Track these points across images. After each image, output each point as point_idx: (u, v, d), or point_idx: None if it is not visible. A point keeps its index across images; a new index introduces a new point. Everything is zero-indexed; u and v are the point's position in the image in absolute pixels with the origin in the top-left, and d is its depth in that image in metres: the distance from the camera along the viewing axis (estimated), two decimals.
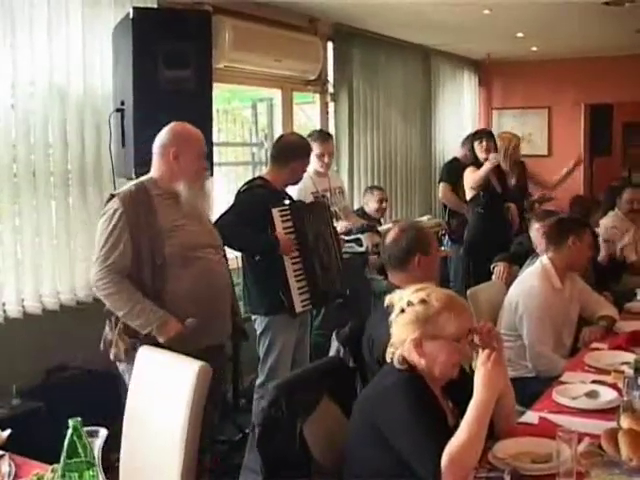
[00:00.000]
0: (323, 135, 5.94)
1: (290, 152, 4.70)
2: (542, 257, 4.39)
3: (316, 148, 5.54)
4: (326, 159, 5.75)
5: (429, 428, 2.37)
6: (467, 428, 2.32)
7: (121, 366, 3.56)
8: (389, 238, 3.48)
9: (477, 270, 6.31)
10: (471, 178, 6.87)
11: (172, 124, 3.64)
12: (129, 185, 3.66)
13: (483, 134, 7.09)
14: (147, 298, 3.46)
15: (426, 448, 2.32)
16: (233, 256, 4.69)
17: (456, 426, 2.40)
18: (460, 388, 2.57)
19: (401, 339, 2.56)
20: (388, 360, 2.59)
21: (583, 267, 4.48)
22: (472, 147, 7.12)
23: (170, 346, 3.33)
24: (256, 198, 4.52)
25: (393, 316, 2.60)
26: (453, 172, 7.69)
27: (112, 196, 3.60)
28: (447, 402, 2.64)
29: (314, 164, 5.63)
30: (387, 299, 2.66)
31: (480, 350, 2.46)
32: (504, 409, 2.68)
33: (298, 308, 4.52)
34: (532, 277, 4.32)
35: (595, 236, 5.79)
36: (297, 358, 4.72)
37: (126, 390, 3.13)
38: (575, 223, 4.50)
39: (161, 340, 3.43)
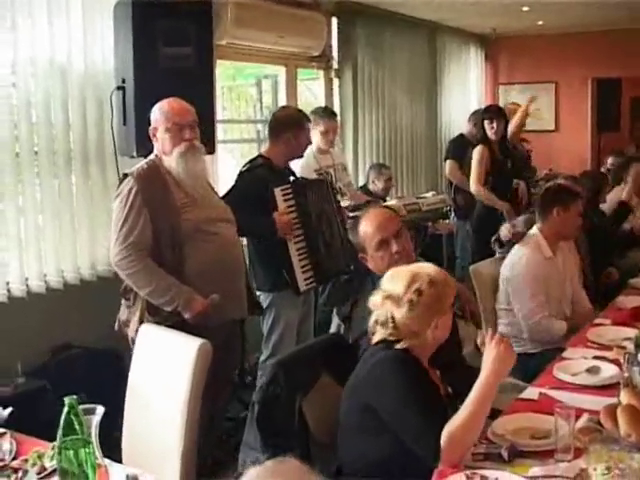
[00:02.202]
0: (328, 112, 5.92)
1: (280, 125, 4.66)
2: (532, 229, 4.39)
3: (321, 125, 5.53)
4: (331, 136, 5.74)
5: (426, 407, 2.38)
6: (470, 407, 2.34)
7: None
8: None
9: (485, 246, 6.25)
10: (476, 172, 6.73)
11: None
12: (141, 163, 3.68)
13: (494, 113, 6.86)
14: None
15: (425, 428, 2.33)
16: None
17: (447, 396, 2.41)
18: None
19: (417, 329, 2.53)
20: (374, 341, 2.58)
21: (573, 236, 4.48)
22: (482, 124, 6.99)
23: (194, 323, 3.40)
24: (256, 179, 4.48)
25: (402, 311, 2.52)
26: (459, 149, 7.62)
27: (125, 175, 3.62)
28: (435, 371, 2.66)
29: (318, 141, 5.62)
30: (371, 303, 2.62)
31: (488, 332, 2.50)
32: None
33: (302, 287, 4.51)
34: (522, 248, 4.32)
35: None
36: (301, 335, 4.72)
37: None
38: (561, 193, 4.46)
39: (187, 316, 3.47)
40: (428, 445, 2.29)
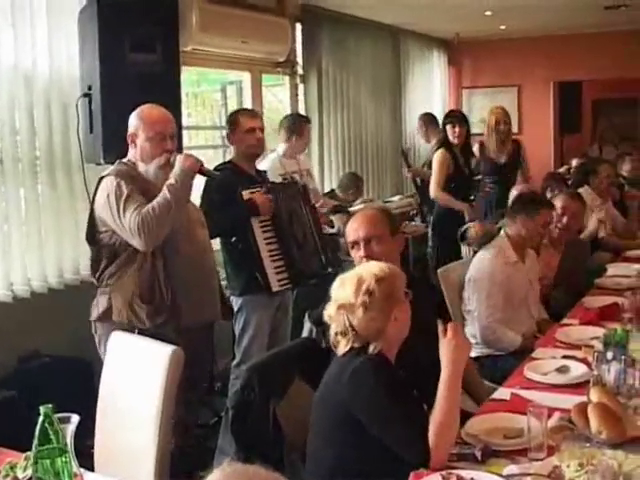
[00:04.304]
0: (305, 117, 6.06)
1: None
2: (500, 232, 4.41)
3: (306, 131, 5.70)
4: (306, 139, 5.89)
5: (411, 412, 2.42)
6: (443, 406, 2.39)
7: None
8: None
9: (444, 250, 6.26)
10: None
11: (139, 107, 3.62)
12: (115, 165, 3.60)
13: (456, 118, 6.72)
14: (153, 272, 3.46)
15: (414, 435, 2.37)
16: None
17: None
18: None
19: (379, 327, 2.53)
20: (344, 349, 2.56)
21: (534, 244, 4.48)
22: (444, 128, 6.94)
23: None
24: (222, 182, 4.47)
25: (359, 316, 2.51)
26: None
27: (101, 178, 3.53)
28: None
29: (284, 146, 5.64)
30: (326, 315, 2.60)
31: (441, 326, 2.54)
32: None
33: (275, 286, 4.49)
34: (487, 251, 4.31)
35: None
36: (278, 341, 4.70)
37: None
38: (530, 202, 4.45)
39: (196, 171, 3.53)
40: (418, 451, 2.33)
